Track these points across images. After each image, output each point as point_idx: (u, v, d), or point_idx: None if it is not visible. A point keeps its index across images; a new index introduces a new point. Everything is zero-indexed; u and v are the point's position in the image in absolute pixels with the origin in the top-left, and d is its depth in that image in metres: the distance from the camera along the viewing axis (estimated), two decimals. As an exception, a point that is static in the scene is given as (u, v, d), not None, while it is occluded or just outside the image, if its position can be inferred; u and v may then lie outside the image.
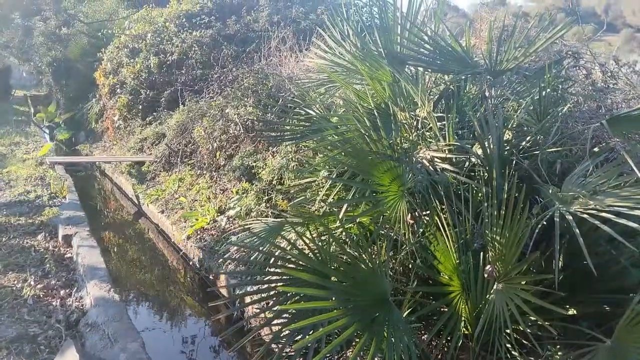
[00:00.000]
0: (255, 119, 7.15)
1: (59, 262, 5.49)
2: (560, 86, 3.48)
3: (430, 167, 3.04)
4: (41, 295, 4.69)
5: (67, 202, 7.82)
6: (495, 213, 2.46)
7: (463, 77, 3.53)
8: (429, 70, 3.65)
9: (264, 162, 6.56)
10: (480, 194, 2.81)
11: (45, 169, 9.87)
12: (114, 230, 8.28)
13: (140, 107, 11.96)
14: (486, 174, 2.88)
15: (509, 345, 2.37)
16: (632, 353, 2.01)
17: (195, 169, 8.36)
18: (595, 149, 2.91)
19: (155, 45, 12.11)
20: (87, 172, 12.33)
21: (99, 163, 12.20)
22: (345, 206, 3.24)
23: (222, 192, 7.19)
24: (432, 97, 3.62)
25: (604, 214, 2.22)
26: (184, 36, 11.71)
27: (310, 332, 2.47)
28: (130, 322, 4.14)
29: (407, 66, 3.64)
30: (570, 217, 2.26)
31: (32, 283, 4.88)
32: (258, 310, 2.98)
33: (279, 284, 2.74)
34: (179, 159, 9.03)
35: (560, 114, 3.08)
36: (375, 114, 3.43)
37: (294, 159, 5.79)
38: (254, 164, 6.73)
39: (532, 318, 2.24)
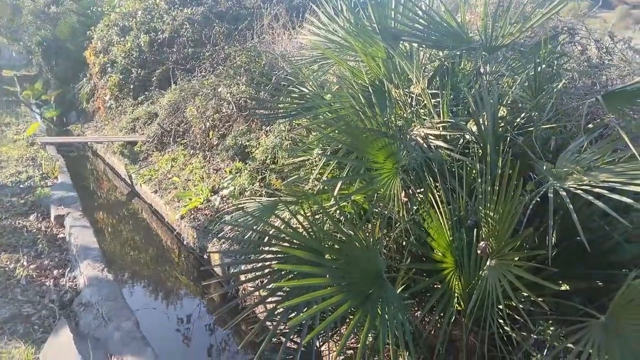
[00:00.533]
0: (248, 97, 7.08)
1: (51, 243, 5.47)
2: (555, 62, 3.45)
3: (424, 144, 3.01)
4: (34, 276, 4.68)
5: (59, 182, 7.76)
6: (489, 189, 2.45)
7: (458, 53, 3.49)
8: (424, 46, 3.60)
9: (258, 141, 6.52)
10: (474, 171, 2.79)
11: (36, 149, 9.77)
12: (107, 211, 8.25)
13: (132, 86, 11.81)
14: (480, 150, 2.86)
15: (501, 321, 2.38)
16: (627, 329, 2.01)
17: (188, 149, 8.30)
18: (590, 126, 2.89)
19: (145, 23, 11.91)
20: (79, 153, 12.23)
21: (91, 143, 12.09)
22: (339, 184, 3.22)
23: (215, 171, 7.15)
24: (426, 73, 3.58)
25: (597, 190, 2.21)
26: (174, 14, 11.52)
27: (305, 310, 2.47)
28: (124, 301, 4.14)
29: (402, 42, 3.59)
30: (564, 193, 2.25)
31: (25, 263, 4.87)
32: (252, 289, 2.99)
33: (273, 262, 2.74)
34: (171, 139, 8.96)
35: (555, 90, 3.05)
36: (370, 90, 3.39)
37: (287, 137, 5.76)
38: (248, 143, 6.69)
39: (525, 294, 2.25)
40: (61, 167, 8.74)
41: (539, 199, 2.46)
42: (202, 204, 6.37)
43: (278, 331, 2.78)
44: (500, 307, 2.28)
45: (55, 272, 4.78)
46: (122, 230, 7.47)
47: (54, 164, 8.72)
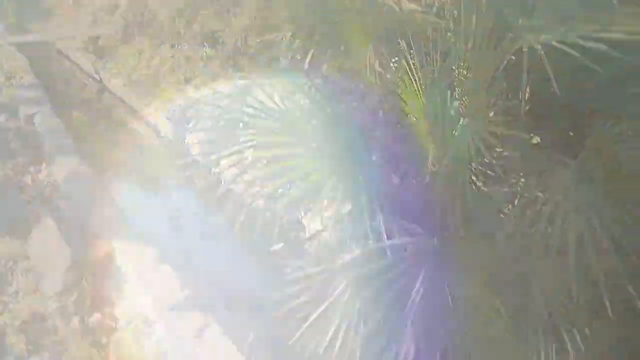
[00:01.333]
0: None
1: (24, 141, 5.38)
2: None
3: (397, 8, 2.88)
4: (11, 174, 4.65)
5: (26, 83, 7.51)
6: (464, 47, 2.39)
7: None
8: None
9: (227, 24, 6.23)
10: (449, 33, 2.70)
11: (-4, 50, 9.27)
12: (78, 108, 8.04)
13: (88, -25, 10.97)
14: (455, 11, 2.75)
15: (474, 177, 2.44)
16: (596, 171, 2.07)
17: (155, 39, 7.92)
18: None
19: None
20: (43, 53, 11.61)
21: (54, 41, 11.45)
22: (309, 56, 3.12)
23: (186, 61, 6.89)
24: None
25: (571, 41, 2.16)
26: None
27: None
28: (104, 191, 4.17)
29: None
30: (539, 46, 2.20)
31: (0, 164, 4.81)
32: (235, 170, 3.00)
33: (252, 140, 2.73)
34: (136, 30, 8.51)
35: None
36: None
37: (258, 17, 5.51)
38: (216, 28, 6.40)
39: (498, 150, 2.28)
40: (25, 68, 8.40)
41: (513, 58, 2.41)
42: (175, 94, 6.22)
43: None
44: (474, 164, 2.33)
45: (31, 168, 4.75)
46: (95, 125, 7.34)
47: (17, 64, 8.37)
